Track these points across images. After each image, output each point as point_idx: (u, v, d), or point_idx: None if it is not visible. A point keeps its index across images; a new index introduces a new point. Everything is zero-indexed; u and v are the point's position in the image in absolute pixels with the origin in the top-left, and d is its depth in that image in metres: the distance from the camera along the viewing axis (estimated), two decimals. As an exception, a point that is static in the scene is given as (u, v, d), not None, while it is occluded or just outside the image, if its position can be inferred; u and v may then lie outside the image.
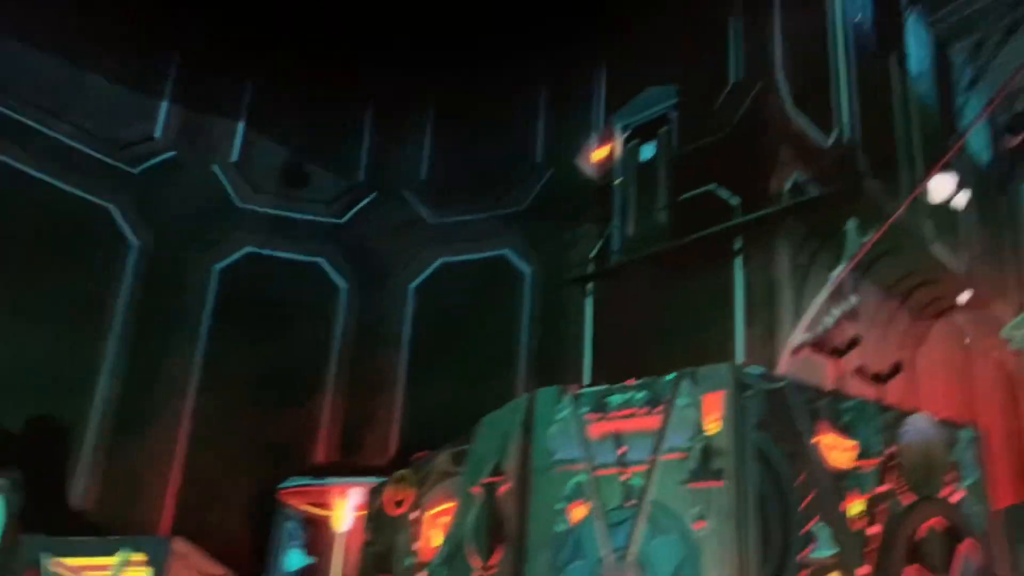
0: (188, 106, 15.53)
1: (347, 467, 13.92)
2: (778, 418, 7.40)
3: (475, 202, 15.52)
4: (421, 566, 8.55)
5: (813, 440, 7.34)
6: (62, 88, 14.48)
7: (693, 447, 7.55)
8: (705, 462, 7.47)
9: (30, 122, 14.05)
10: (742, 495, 7.24)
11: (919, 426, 6.97)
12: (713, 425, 7.60)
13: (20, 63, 14.13)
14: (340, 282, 15.67)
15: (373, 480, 10.66)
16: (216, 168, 15.56)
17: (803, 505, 7.10)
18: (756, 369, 7.77)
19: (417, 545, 8.73)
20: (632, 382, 7.86)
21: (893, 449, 7.05)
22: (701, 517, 7.31)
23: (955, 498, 6.81)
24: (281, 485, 13.47)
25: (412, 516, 8.97)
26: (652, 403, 7.70)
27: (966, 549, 6.68)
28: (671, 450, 7.60)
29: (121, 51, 14.84)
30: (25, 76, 14.18)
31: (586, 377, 12.76)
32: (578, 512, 7.74)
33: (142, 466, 13.51)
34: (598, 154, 14.30)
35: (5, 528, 10.47)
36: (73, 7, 14.15)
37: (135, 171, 14.83)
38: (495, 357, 14.14)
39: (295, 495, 13.40)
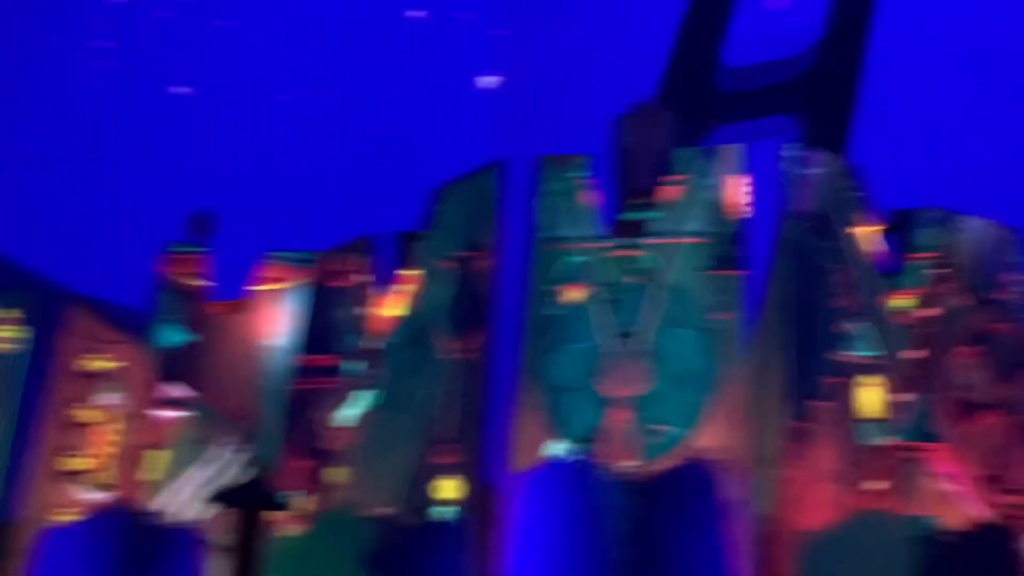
0: None
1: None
2: (814, 205, 6.65)
3: None
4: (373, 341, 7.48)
5: (849, 230, 6.62)
6: None
7: (716, 231, 6.75)
8: (729, 248, 6.69)
9: None
10: (773, 288, 6.54)
11: (976, 225, 6.38)
12: (737, 208, 6.79)
13: None
14: None
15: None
16: None
17: (838, 301, 6.43)
18: (793, 148, 6.96)
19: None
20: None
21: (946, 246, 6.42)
22: (722, 307, 6.57)
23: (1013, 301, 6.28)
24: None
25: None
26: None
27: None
28: (690, 233, 6.78)
29: None
30: None
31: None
32: (573, 294, 6.89)
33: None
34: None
35: None
36: None
37: None
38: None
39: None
